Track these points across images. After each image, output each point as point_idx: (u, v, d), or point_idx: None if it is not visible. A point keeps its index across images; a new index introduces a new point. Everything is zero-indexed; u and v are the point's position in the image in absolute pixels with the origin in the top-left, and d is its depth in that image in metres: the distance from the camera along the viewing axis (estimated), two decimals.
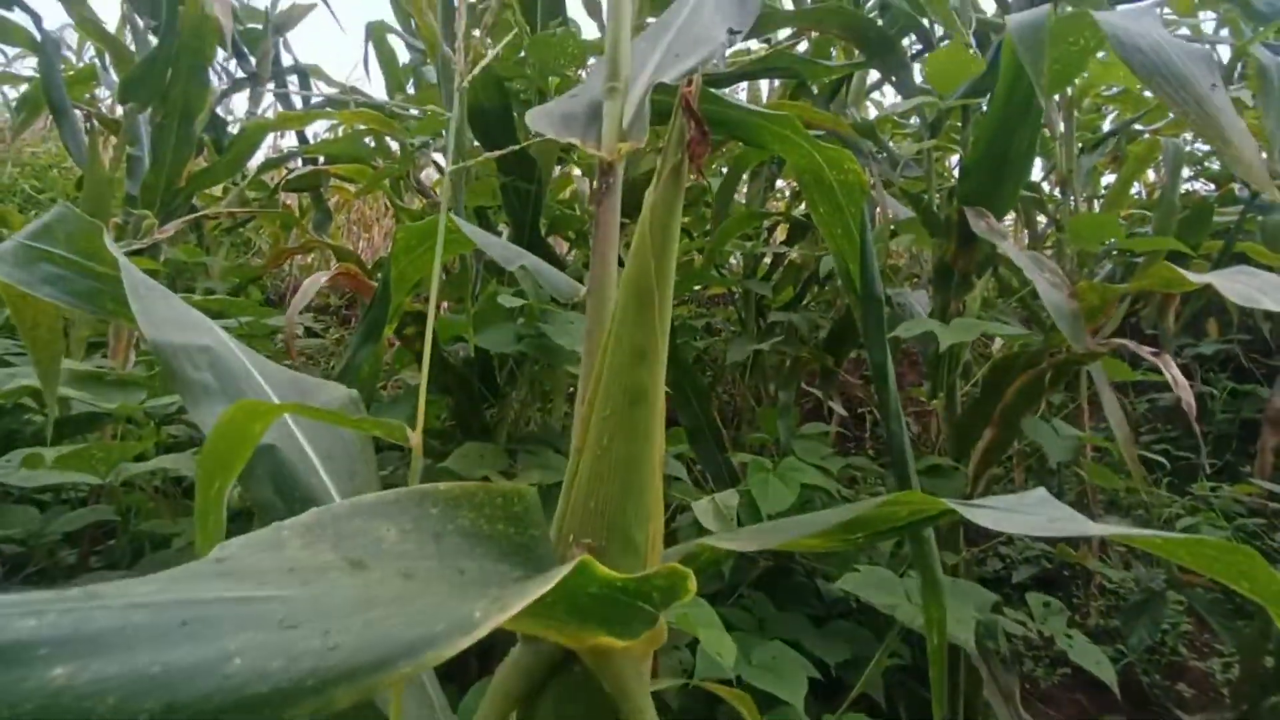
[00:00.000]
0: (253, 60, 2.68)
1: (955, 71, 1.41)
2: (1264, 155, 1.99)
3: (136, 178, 1.78)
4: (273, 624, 0.21)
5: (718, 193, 1.94)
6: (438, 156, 2.17)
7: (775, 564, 1.45)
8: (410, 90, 2.40)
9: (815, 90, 1.88)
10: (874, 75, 2.04)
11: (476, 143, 1.44)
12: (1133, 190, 2.40)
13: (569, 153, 1.71)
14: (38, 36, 1.86)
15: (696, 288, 2.48)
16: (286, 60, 2.96)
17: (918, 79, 1.60)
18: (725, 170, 2.01)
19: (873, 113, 2.28)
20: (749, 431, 1.99)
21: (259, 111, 2.94)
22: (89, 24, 2.24)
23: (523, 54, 1.44)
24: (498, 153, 0.61)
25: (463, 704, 0.91)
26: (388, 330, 1.05)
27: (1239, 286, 0.81)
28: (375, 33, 2.50)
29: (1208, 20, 2.12)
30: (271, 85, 2.68)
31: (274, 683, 0.19)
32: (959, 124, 1.64)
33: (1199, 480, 1.67)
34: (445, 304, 2.08)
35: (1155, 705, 1.47)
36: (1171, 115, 1.92)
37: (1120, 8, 1.54)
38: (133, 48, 2.04)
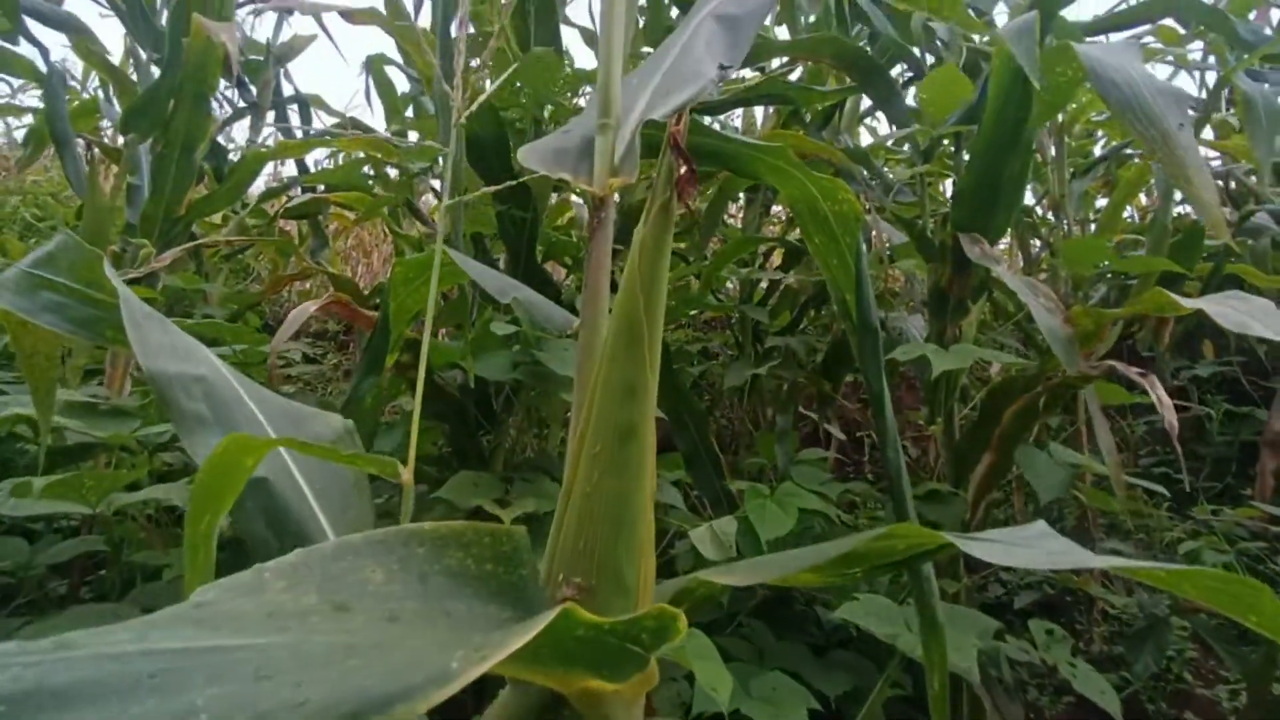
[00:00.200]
0: (254, 90, 2.72)
1: (949, 97, 1.43)
2: (1256, 178, 2.00)
3: (136, 206, 1.79)
4: (246, 675, 0.20)
5: (705, 216, 1.95)
6: (436, 183, 2.19)
7: (774, 593, 1.43)
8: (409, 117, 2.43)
9: (808, 117, 1.91)
10: (866, 102, 2.07)
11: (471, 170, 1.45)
12: (1125, 214, 2.42)
13: (565, 180, 1.73)
14: (43, 69, 1.88)
15: (693, 313, 2.48)
16: (287, 90, 3.00)
17: (911, 103, 1.63)
18: (713, 192, 2.02)
19: (865, 139, 2.31)
20: (747, 457, 1.98)
21: (259, 141, 2.97)
22: (94, 56, 2.28)
23: (519, 84, 1.46)
24: (494, 188, 0.61)
25: None
26: (389, 360, 1.06)
27: (1230, 312, 0.82)
28: (375, 65, 2.54)
29: (1195, 50, 2.15)
30: (272, 115, 2.71)
31: None
32: (952, 149, 1.66)
33: (1199, 503, 1.66)
34: (444, 331, 2.09)
35: None
36: None
37: (1112, 36, 1.57)
38: (135, 79, 2.07)
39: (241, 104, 2.74)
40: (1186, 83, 3.65)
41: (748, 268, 2.01)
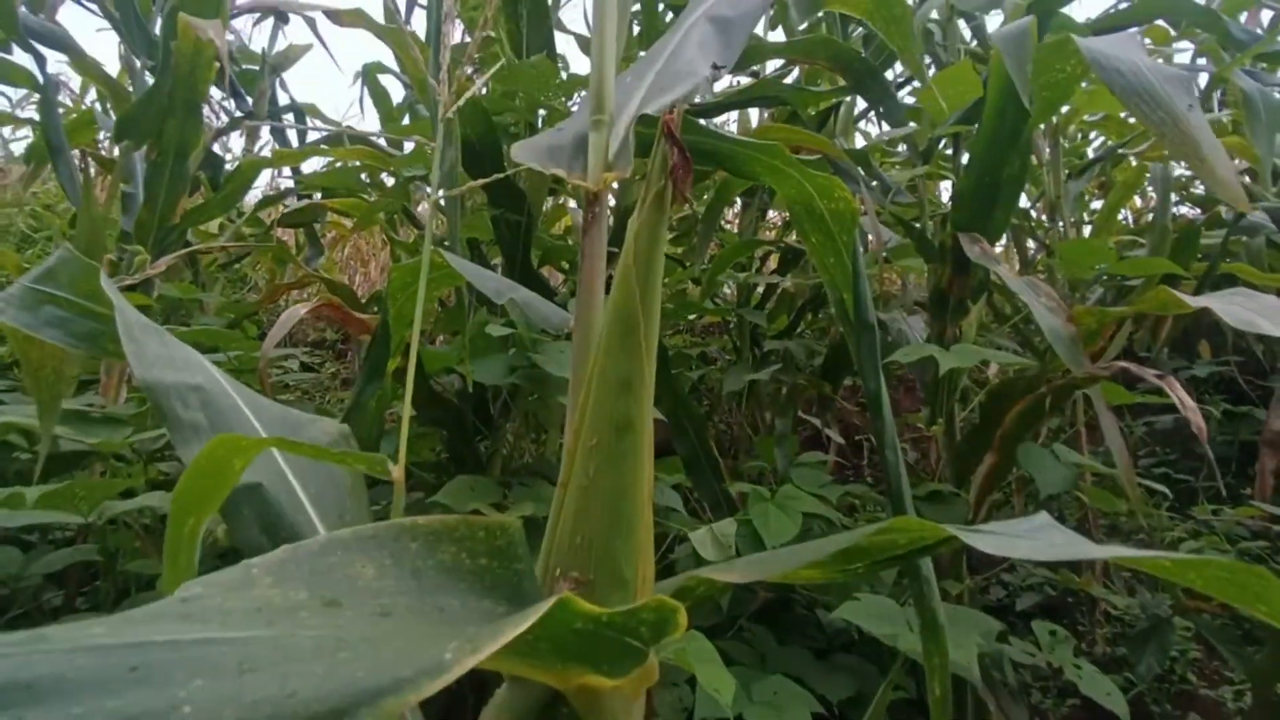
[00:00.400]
0: (249, 99, 2.72)
1: (960, 95, 1.43)
2: (1248, 176, 2.01)
3: (131, 215, 1.79)
4: (230, 669, 0.20)
5: (703, 218, 1.95)
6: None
7: (776, 595, 1.42)
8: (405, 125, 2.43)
9: (804, 120, 1.91)
10: (861, 105, 2.07)
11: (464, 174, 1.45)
12: (1119, 215, 2.42)
13: (561, 185, 1.73)
14: (40, 78, 1.88)
15: (691, 317, 2.48)
16: (283, 99, 3.00)
17: (907, 103, 1.63)
18: (709, 197, 2.02)
19: (860, 142, 2.31)
20: (746, 460, 1.97)
21: (255, 150, 2.97)
22: (89, 66, 2.28)
23: (515, 89, 1.46)
24: (480, 181, 0.61)
25: None
26: (391, 366, 1.06)
27: (1236, 310, 0.81)
28: (369, 73, 2.54)
29: (1184, 50, 2.16)
30: (268, 124, 2.71)
31: None
32: (949, 151, 1.66)
33: (1199, 503, 1.65)
34: (442, 336, 2.08)
35: None
36: (1149, 144, 1.96)
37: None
38: (130, 87, 2.07)
39: (238, 113, 2.74)
40: None
41: (745, 271, 2.00)
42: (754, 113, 2.16)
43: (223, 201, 1.77)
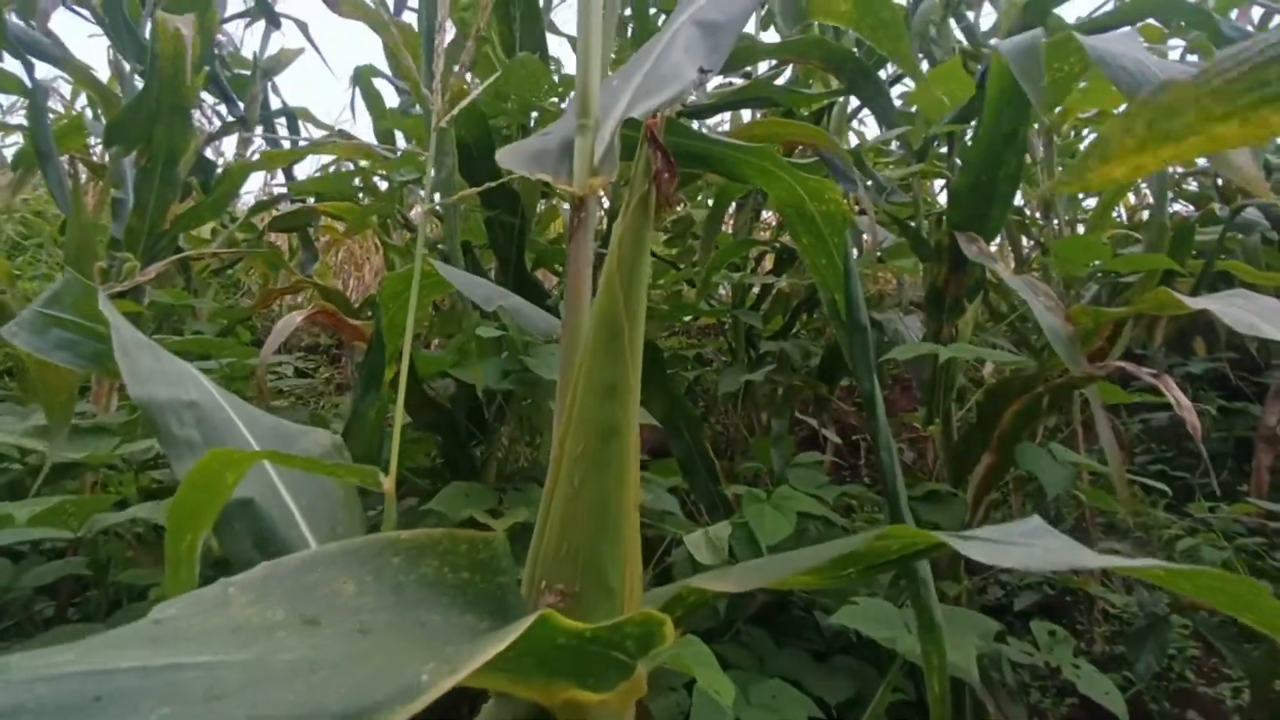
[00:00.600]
0: (241, 104, 2.71)
1: (951, 94, 1.43)
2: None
3: (122, 221, 1.78)
4: (197, 696, 0.19)
5: (705, 223, 1.94)
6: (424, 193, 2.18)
7: (773, 598, 1.41)
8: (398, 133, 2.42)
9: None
10: (854, 104, 2.07)
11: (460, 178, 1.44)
12: (1113, 213, 2.42)
13: (553, 187, 1.72)
14: (28, 83, 1.87)
15: (687, 319, 2.47)
16: (275, 104, 2.99)
17: (899, 104, 1.63)
18: (710, 201, 2.02)
19: (854, 141, 2.31)
20: (743, 462, 1.97)
21: (248, 155, 2.96)
22: (79, 72, 2.27)
23: (508, 92, 1.45)
24: (475, 190, 0.61)
25: None
26: (388, 374, 1.05)
27: (1237, 312, 0.80)
28: (362, 77, 2.53)
29: (1174, 48, 2.16)
30: (260, 128, 2.70)
31: None
32: (943, 150, 1.66)
33: (1196, 500, 1.65)
34: (438, 340, 2.07)
35: None
36: None
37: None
38: (119, 92, 2.06)
39: (230, 118, 2.73)
40: None
41: (739, 272, 2.00)
42: (746, 115, 2.16)
43: (212, 205, 1.76)
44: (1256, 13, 2.25)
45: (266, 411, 0.82)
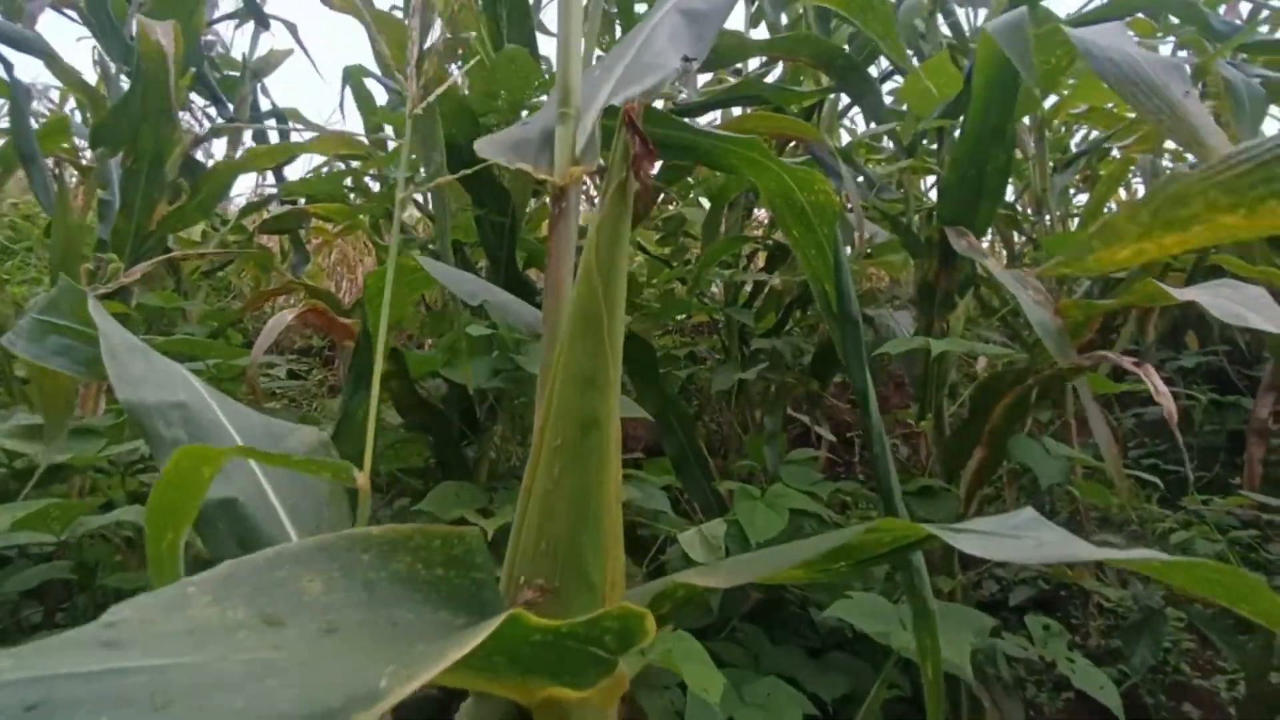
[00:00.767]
0: (231, 106, 2.69)
1: (938, 88, 1.42)
2: None
3: (108, 223, 1.76)
4: (142, 703, 0.18)
5: (704, 224, 1.94)
6: (419, 197, 2.17)
7: (768, 595, 1.41)
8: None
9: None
10: (844, 101, 2.06)
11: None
12: (1105, 209, 2.43)
13: (545, 185, 1.71)
14: (8, 82, 1.85)
15: (680, 317, 2.47)
16: (265, 105, 2.97)
17: (887, 101, 1.62)
18: (701, 200, 2.01)
19: (845, 139, 2.31)
20: (737, 460, 1.96)
21: (237, 156, 2.94)
22: (66, 72, 2.25)
23: (498, 89, 1.44)
24: (452, 177, 0.60)
25: None
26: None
27: (1224, 303, 0.80)
28: (353, 76, 2.51)
29: (1165, 43, 2.16)
30: (249, 126, 2.69)
31: None
32: (933, 145, 1.66)
33: (1189, 493, 1.65)
34: (430, 340, 2.06)
35: None
36: (1135, 137, 1.96)
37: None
38: (105, 93, 2.04)
39: (220, 120, 2.71)
40: None
41: (731, 270, 1.99)
42: (736, 112, 2.15)
43: (199, 206, 1.74)
44: (1245, 7, 2.25)
45: (258, 412, 0.81)
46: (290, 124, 2.78)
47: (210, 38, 3.17)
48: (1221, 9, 2.13)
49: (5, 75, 1.71)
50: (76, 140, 2.46)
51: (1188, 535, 1.51)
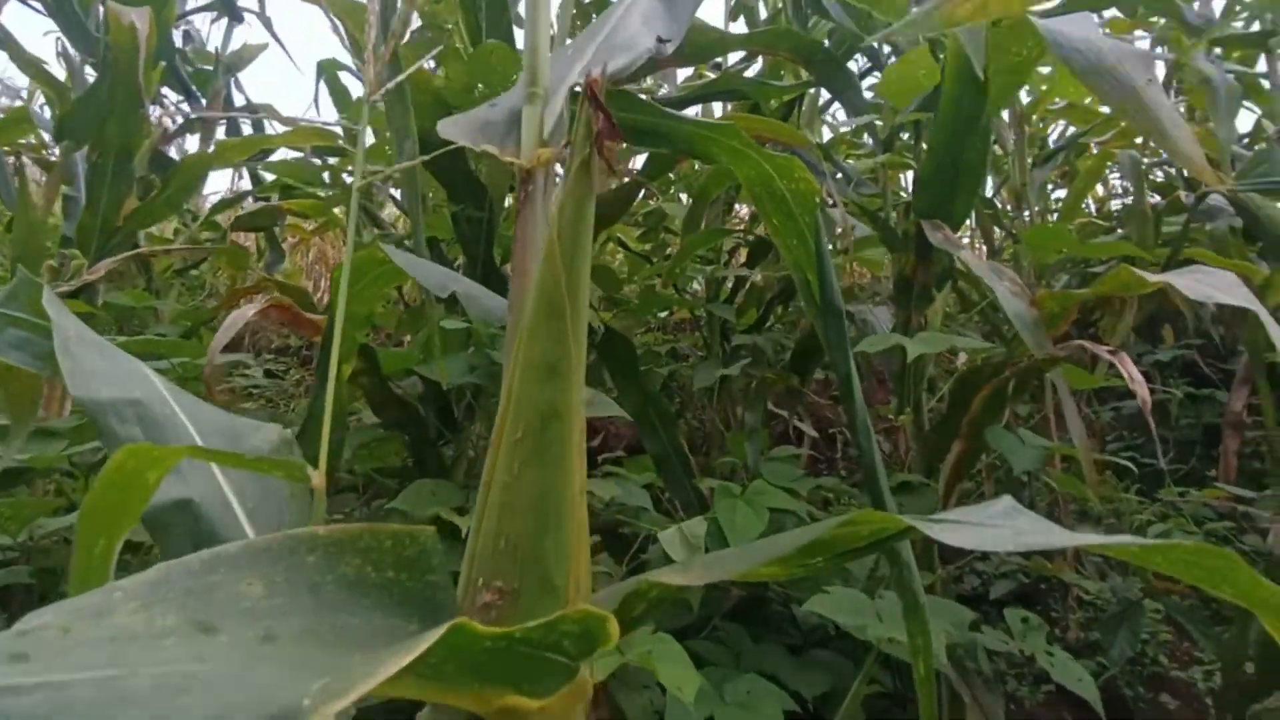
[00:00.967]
0: (204, 100, 2.64)
1: (909, 85, 1.42)
2: (1215, 164, 2.04)
3: (74, 219, 1.72)
4: None
5: (685, 220, 1.92)
6: (397, 192, 2.13)
7: (749, 593, 1.40)
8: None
9: (766, 115, 1.89)
10: (825, 96, 2.06)
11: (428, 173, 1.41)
12: (1083, 204, 2.45)
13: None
14: None
15: (661, 314, 2.45)
16: (239, 100, 2.92)
17: (868, 96, 1.62)
18: (683, 196, 2.00)
19: (826, 134, 2.31)
20: (719, 457, 1.95)
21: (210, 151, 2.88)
22: (30, 63, 2.18)
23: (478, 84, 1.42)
24: (414, 161, 0.57)
25: None
26: (345, 370, 1.02)
27: (1194, 285, 0.81)
28: (327, 70, 2.47)
29: (1141, 39, 2.18)
30: (222, 117, 2.63)
31: None
32: (911, 141, 1.66)
33: (1166, 486, 1.66)
34: (408, 337, 2.03)
35: None
36: (1113, 133, 1.97)
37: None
38: (70, 86, 1.99)
39: (192, 115, 2.66)
40: None
41: (712, 266, 1.98)
42: (716, 107, 2.14)
43: (168, 201, 1.70)
44: (1218, 2, 2.28)
45: (224, 410, 0.79)
46: (264, 117, 2.73)
47: (188, 29, 3.11)
48: (1195, 3, 2.15)
49: None
50: (45, 136, 2.39)
51: (1165, 527, 1.52)
